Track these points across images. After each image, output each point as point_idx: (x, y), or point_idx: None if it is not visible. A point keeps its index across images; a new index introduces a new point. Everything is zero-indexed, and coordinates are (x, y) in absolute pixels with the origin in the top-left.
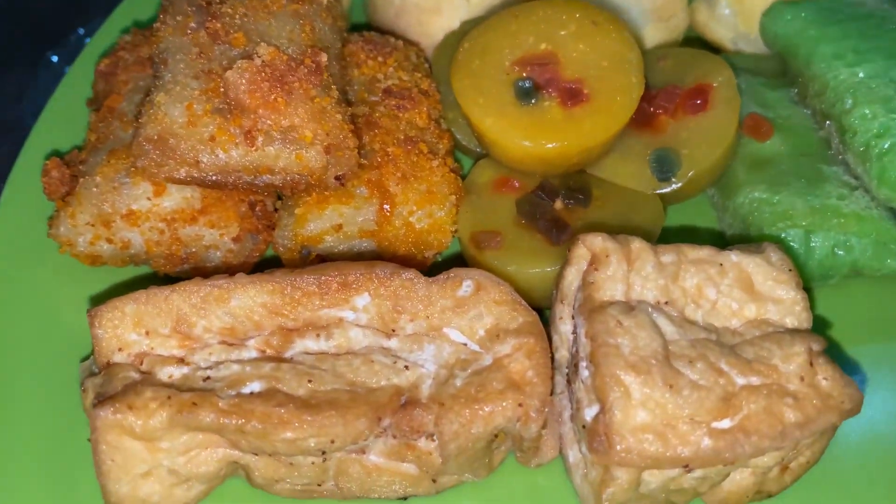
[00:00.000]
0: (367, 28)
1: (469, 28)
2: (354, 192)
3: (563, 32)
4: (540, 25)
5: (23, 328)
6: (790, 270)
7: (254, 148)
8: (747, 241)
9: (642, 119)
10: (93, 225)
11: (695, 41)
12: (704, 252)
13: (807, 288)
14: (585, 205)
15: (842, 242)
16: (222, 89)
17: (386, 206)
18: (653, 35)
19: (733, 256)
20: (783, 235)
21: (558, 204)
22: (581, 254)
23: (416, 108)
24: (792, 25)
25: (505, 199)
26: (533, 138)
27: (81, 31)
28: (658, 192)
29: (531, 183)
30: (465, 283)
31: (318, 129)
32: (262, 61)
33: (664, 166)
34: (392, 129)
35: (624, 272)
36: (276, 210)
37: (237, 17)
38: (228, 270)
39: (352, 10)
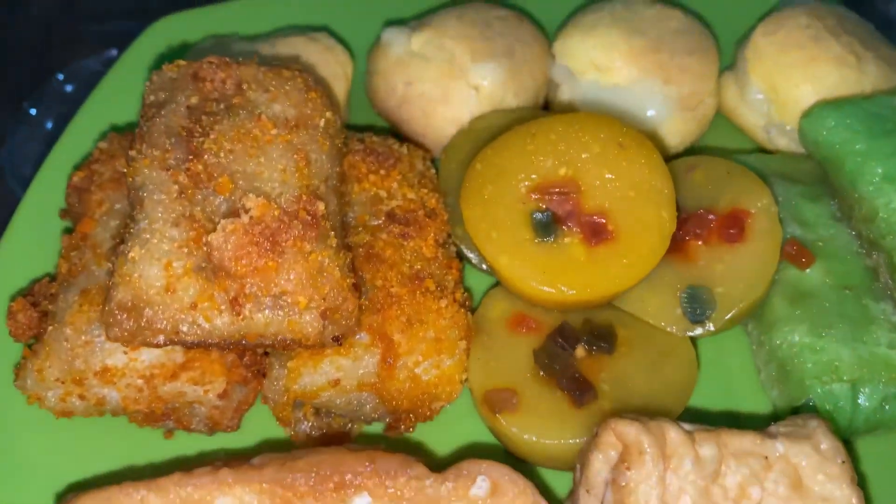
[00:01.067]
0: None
1: (480, 127)
2: (354, 340)
3: (585, 155)
4: (559, 146)
5: None
6: (842, 462)
7: (240, 317)
8: (785, 386)
9: (672, 245)
10: (63, 382)
11: (722, 125)
12: (748, 442)
13: (848, 441)
14: (610, 352)
15: (892, 396)
16: (205, 247)
17: (389, 360)
18: (678, 127)
19: (779, 446)
20: (827, 389)
21: (580, 351)
22: (610, 441)
23: (421, 235)
24: (835, 135)
25: (520, 342)
26: (553, 283)
27: (61, 76)
28: (690, 333)
29: (548, 320)
30: (479, 482)
31: (314, 293)
32: (251, 218)
33: (697, 308)
34: (396, 261)
35: (660, 473)
36: (266, 354)
37: (222, 153)
38: (214, 427)
39: (350, 97)
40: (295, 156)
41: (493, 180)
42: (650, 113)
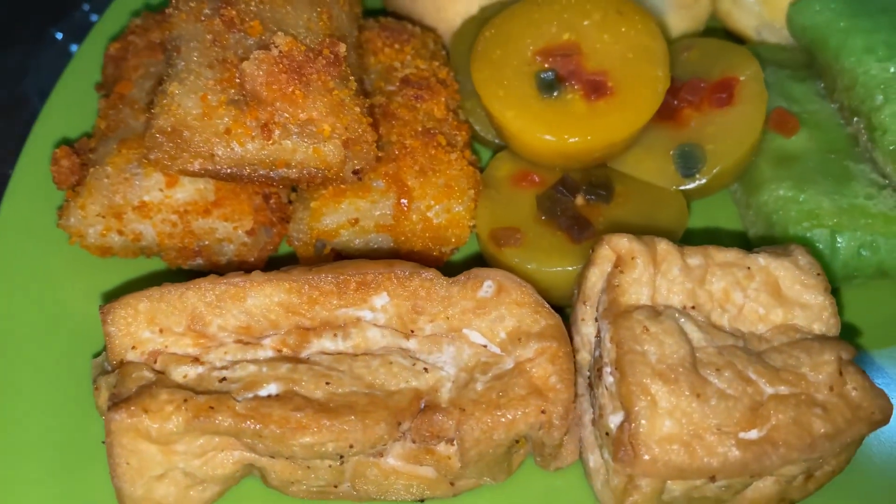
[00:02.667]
0: (384, 13)
1: (488, 14)
2: (371, 186)
3: (586, 22)
4: (563, 14)
5: (32, 321)
6: (818, 275)
7: (270, 142)
8: (771, 241)
9: (666, 112)
10: (104, 216)
11: (717, 31)
12: (731, 255)
13: (833, 289)
14: (607, 201)
15: (868, 243)
16: (238, 80)
17: (403, 201)
18: (675, 23)
19: (761, 259)
20: (808, 235)
21: (579, 200)
22: (605, 255)
23: (433, 98)
24: (820, 16)
25: (525, 194)
26: (555, 132)
27: (87, 6)
28: (681, 188)
29: (551, 177)
30: (486, 284)
31: (337, 122)
32: (280, 52)
33: (688, 162)
34: (410, 120)
35: (650, 275)
36: (290, 203)
37: (253, 4)
38: (242, 265)
39: None
40: (318, 9)
41: (501, 45)
42: (650, 7)
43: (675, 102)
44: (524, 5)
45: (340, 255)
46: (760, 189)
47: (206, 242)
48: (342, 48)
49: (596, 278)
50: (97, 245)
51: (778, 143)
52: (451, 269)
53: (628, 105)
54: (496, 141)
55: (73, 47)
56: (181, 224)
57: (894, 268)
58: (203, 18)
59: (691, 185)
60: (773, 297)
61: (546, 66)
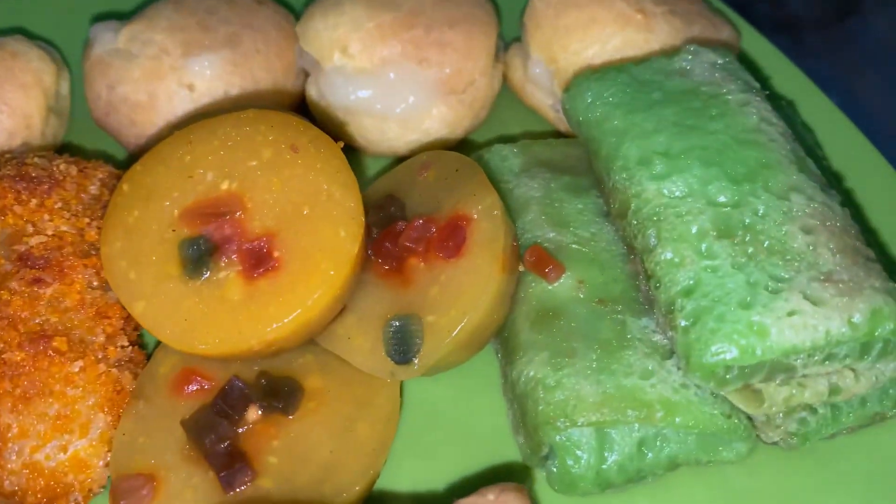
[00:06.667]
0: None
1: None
2: None
3: (253, 163)
4: (221, 153)
5: None
6: None
7: None
8: (526, 432)
9: (389, 263)
10: None
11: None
12: None
13: None
14: (288, 412)
15: (651, 438)
16: None
17: None
18: (446, 114)
19: None
20: (560, 439)
21: (252, 414)
22: None
23: (63, 279)
24: (593, 111)
25: (184, 407)
26: (192, 334)
27: None
28: (399, 378)
29: (226, 376)
30: None
31: None
32: None
33: (402, 344)
34: (23, 318)
35: None
36: None
37: None
38: None
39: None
40: None
41: (140, 204)
42: (410, 100)
43: (397, 251)
44: (173, 144)
45: None
46: (514, 359)
47: None
48: None
49: None
50: None
51: (539, 290)
52: None
53: (297, 284)
54: None
55: None
56: None
57: (693, 459)
58: None
59: (406, 375)
60: None
61: (196, 231)
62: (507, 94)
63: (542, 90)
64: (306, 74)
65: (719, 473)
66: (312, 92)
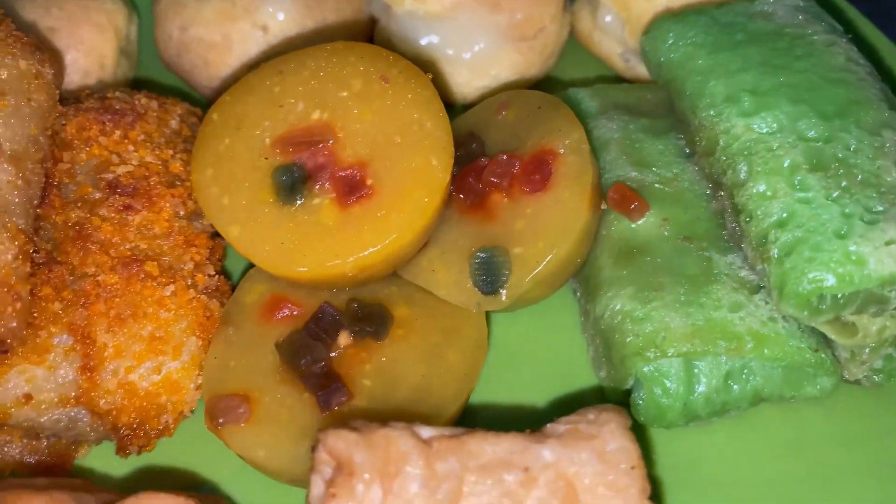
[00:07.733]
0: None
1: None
2: (51, 344)
3: (343, 94)
4: (312, 84)
5: None
6: (632, 469)
7: None
8: (610, 365)
9: (471, 199)
10: None
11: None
12: (503, 449)
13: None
14: (379, 337)
15: (737, 370)
16: None
17: (90, 365)
18: (516, 60)
19: (546, 453)
20: (648, 370)
21: (343, 338)
22: (324, 459)
23: (151, 207)
24: (676, 51)
25: (274, 332)
26: (289, 259)
27: None
28: (485, 309)
29: (314, 303)
30: None
31: None
32: None
33: (489, 275)
34: (114, 242)
35: (378, 498)
36: None
37: None
38: None
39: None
40: None
41: (230, 133)
42: (480, 45)
43: (480, 186)
44: (262, 75)
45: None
46: (597, 294)
47: None
48: None
49: (319, 489)
50: None
51: (623, 228)
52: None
53: (391, 211)
54: None
55: None
56: None
57: (777, 395)
58: None
59: (493, 306)
60: None
61: (289, 159)
62: (571, 44)
63: (611, 38)
64: (373, 22)
65: (797, 414)
66: (382, 37)
